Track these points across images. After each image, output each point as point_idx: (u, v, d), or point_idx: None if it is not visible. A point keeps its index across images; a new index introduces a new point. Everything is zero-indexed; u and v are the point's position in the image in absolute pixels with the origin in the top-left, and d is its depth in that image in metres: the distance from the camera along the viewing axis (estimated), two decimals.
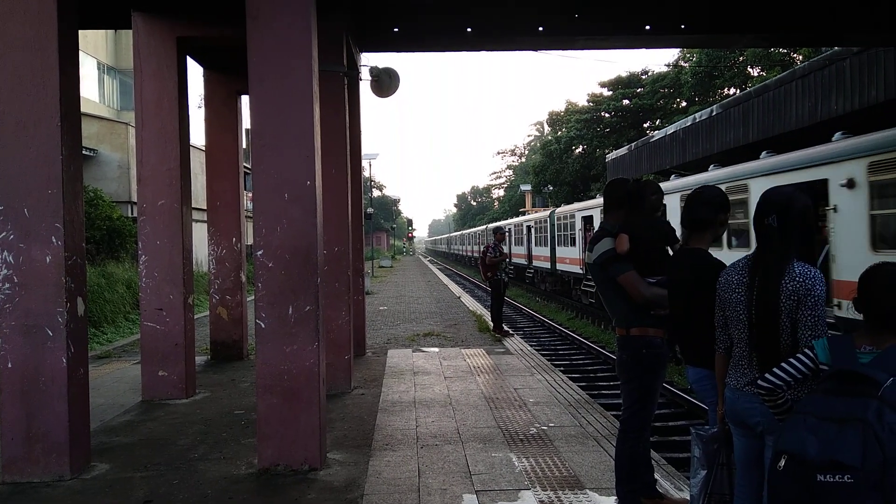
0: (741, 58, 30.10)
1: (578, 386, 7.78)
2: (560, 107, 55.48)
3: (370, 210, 32.11)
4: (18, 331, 4.52)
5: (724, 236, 10.44)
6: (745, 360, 2.69)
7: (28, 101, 4.53)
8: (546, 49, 9.17)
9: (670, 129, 20.76)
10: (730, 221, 3.58)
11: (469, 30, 8.15)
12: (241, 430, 5.78)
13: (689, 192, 10.97)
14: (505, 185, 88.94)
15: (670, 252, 3.78)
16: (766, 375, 2.37)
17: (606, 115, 40.76)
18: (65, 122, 4.60)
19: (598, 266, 3.80)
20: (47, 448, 4.55)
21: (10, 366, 4.53)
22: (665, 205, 4.33)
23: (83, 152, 5.10)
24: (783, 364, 2.36)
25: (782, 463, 2.10)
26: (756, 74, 29.72)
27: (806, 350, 2.36)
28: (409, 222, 78.10)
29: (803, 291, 2.50)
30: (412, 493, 4.25)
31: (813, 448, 2.03)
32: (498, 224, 36.78)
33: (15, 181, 4.54)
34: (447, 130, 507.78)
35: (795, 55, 26.21)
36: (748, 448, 2.72)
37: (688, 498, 3.93)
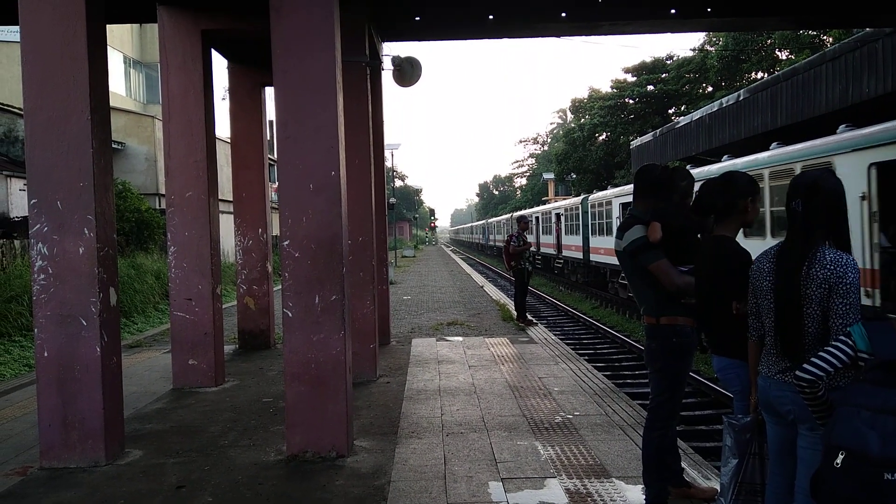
0: (769, 41, 29.45)
1: (603, 375, 7.75)
2: (583, 93, 54.99)
3: (393, 200, 32.17)
4: (54, 321, 4.64)
5: None
6: (776, 349, 2.65)
7: (58, 95, 4.62)
8: (569, 35, 9.07)
9: (696, 115, 20.43)
10: None
11: (491, 17, 8.09)
12: (269, 418, 5.87)
13: None
14: (527, 174, 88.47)
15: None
16: (805, 366, 2.29)
17: (630, 101, 40.24)
18: (95, 115, 4.68)
19: (627, 254, 3.76)
20: (83, 435, 4.67)
21: (46, 355, 4.65)
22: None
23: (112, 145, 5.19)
24: (821, 353, 2.28)
25: (840, 459, 2.02)
26: (784, 58, 29.06)
27: (843, 338, 2.27)
28: (432, 212, 78.00)
29: (834, 279, 2.45)
30: (438, 479, 4.29)
31: (875, 444, 1.96)
32: (522, 213, 35.09)
33: (47, 174, 4.63)
34: (469, 119, 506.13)
35: (825, 37, 25.57)
36: (781, 436, 2.69)
37: (715, 487, 3.91)
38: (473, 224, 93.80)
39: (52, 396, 4.66)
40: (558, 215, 27.96)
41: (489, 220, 66.31)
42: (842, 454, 2.02)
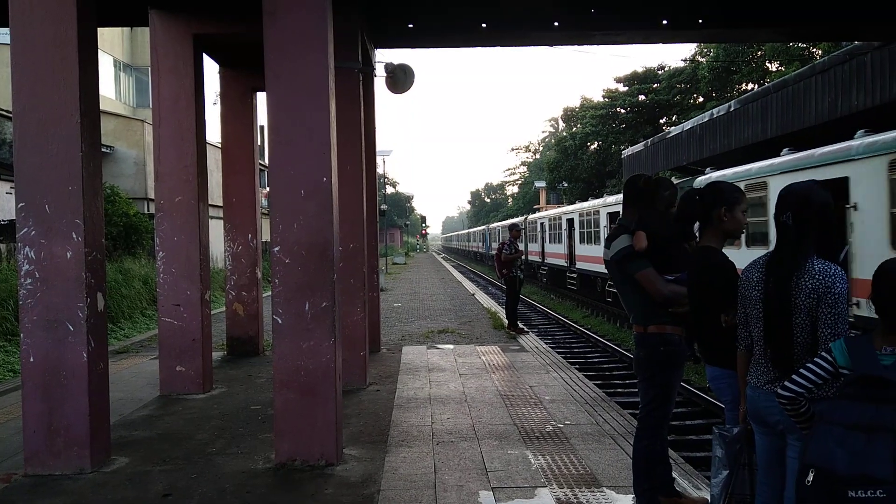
0: (759, 52, 29.77)
1: (594, 384, 7.75)
2: (575, 102, 55.07)
3: (384, 207, 32.13)
4: (40, 325, 4.58)
5: None
6: (764, 359, 2.66)
7: (49, 98, 4.57)
8: (561, 44, 9.13)
9: (687, 125, 20.59)
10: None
11: (484, 25, 8.12)
12: (257, 426, 5.81)
13: None
14: (519, 182, 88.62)
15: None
16: (786, 383, 2.34)
17: (622, 110, 40.53)
18: (85, 119, 4.64)
19: (615, 263, 3.78)
20: (68, 441, 4.60)
21: (31, 360, 4.59)
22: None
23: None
24: (801, 370, 2.33)
25: (811, 477, 2.06)
26: (775, 69, 29.36)
27: (823, 353, 2.32)
28: (423, 219, 77.86)
29: (823, 289, 2.48)
30: (428, 489, 4.25)
31: (842, 462, 2.00)
32: (514, 221, 33.45)
33: (36, 178, 4.58)
34: (461, 127, 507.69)
35: (815, 50, 25.86)
36: (770, 446, 2.69)
37: (706, 497, 3.90)
38: (471, 230, 77.56)
39: (38, 402, 4.59)
40: (612, 215, 18.73)
41: (491, 226, 52.83)
42: (812, 472, 2.07)
